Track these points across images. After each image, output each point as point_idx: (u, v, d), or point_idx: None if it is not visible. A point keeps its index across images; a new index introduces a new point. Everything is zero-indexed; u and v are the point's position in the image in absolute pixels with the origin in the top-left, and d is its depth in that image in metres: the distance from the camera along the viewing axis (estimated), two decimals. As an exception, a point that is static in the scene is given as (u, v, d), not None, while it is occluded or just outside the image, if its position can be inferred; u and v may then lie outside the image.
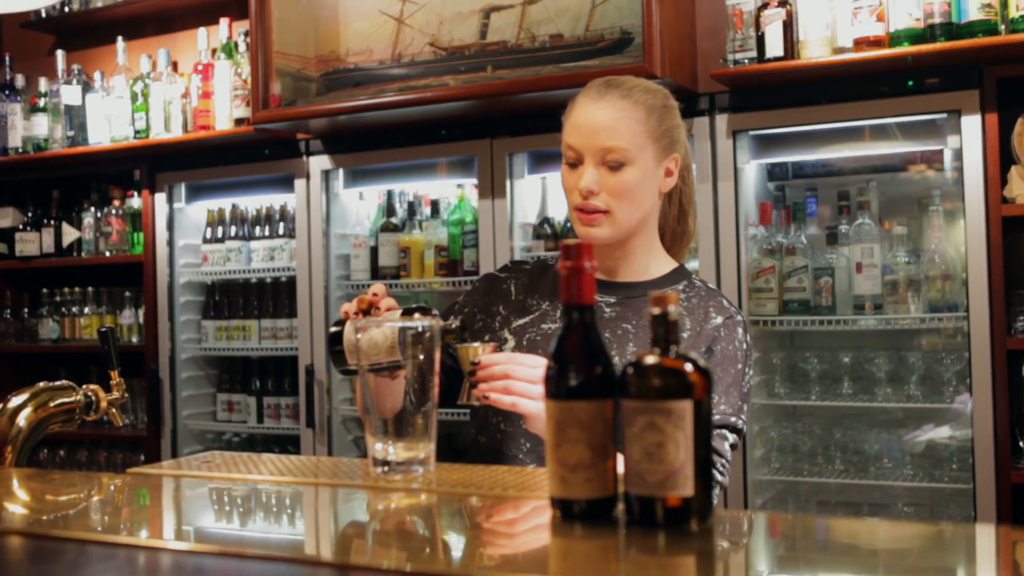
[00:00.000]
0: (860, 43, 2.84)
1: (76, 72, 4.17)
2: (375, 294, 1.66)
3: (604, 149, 1.74)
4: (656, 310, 1.07)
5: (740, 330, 1.79)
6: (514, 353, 1.66)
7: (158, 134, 3.91)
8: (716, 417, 1.70)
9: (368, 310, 1.65)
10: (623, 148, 1.73)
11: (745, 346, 1.79)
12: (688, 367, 1.05)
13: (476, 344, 1.63)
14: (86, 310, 4.31)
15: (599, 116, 1.75)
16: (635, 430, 1.04)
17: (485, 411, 1.83)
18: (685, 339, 1.75)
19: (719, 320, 1.77)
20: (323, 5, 3.41)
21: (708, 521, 1.07)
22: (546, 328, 1.83)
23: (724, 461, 1.71)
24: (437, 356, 1.38)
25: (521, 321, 1.87)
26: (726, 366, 1.74)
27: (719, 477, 1.70)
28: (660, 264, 1.87)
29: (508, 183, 3.37)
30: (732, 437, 1.72)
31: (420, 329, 1.37)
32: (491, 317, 1.90)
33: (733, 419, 1.72)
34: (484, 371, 1.59)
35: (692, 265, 3.15)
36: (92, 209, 4.30)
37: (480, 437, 1.85)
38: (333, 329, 1.73)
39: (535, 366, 1.58)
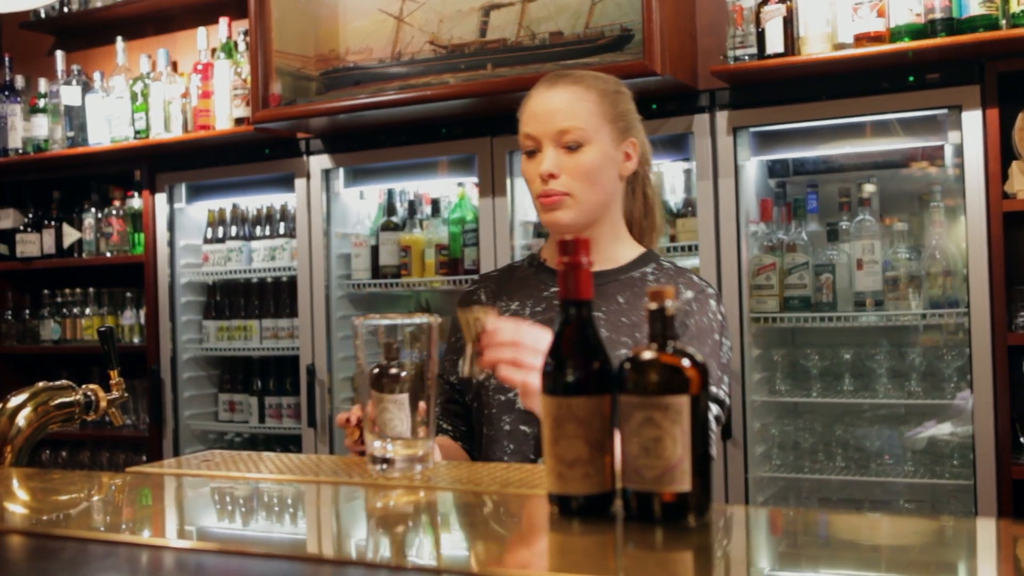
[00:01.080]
0: (860, 39, 2.84)
1: (76, 72, 4.17)
2: (348, 420, 1.59)
3: (561, 130, 1.75)
4: (653, 305, 1.07)
5: (712, 302, 1.79)
6: (521, 322, 1.57)
7: (158, 134, 3.91)
8: None
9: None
10: (579, 127, 1.75)
11: (720, 317, 1.79)
12: (685, 362, 1.05)
13: (479, 310, 1.50)
14: (87, 311, 4.32)
15: (553, 101, 1.78)
16: (632, 425, 1.04)
17: (478, 415, 1.83)
18: None
19: (690, 295, 1.78)
20: (322, 4, 3.40)
21: (706, 516, 1.07)
22: None
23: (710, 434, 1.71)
24: (435, 354, 1.38)
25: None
26: (703, 338, 1.74)
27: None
28: (628, 250, 1.88)
29: (509, 181, 3.37)
30: (715, 409, 1.72)
31: (417, 325, 1.37)
32: None
33: (715, 390, 1.72)
34: (491, 339, 1.48)
35: (692, 262, 3.15)
36: (93, 210, 4.30)
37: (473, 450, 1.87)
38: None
39: (542, 337, 1.50)
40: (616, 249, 1.86)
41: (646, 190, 1.92)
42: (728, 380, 1.78)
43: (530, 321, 1.82)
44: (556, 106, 1.77)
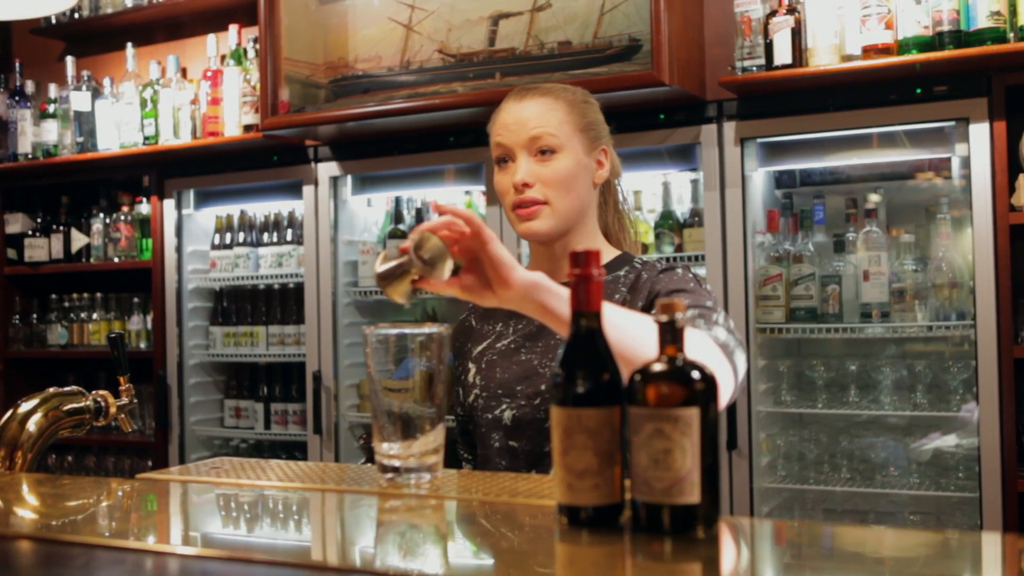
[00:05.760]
0: (868, 51, 2.85)
1: (86, 78, 4.19)
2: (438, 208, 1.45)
3: (533, 138, 1.75)
4: (664, 318, 1.08)
5: (680, 270, 1.76)
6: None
7: (167, 140, 3.93)
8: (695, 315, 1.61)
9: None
10: (551, 134, 1.74)
11: (690, 275, 1.74)
12: (695, 374, 1.05)
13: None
14: (95, 316, 4.33)
15: (524, 111, 1.77)
16: (642, 437, 1.04)
17: (476, 431, 1.84)
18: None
19: (660, 267, 1.78)
20: (332, 12, 3.42)
21: (715, 528, 1.07)
22: (500, 347, 1.84)
23: (735, 337, 1.60)
24: (446, 361, 1.38)
25: (479, 348, 1.87)
26: (676, 286, 1.70)
27: (740, 357, 1.58)
28: (604, 254, 1.85)
29: (515, 190, 3.37)
30: (724, 335, 1.58)
31: (427, 334, 1.38)
32: (463, 356, 1.91)
33: (718, 332, 1.58)
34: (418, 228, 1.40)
35: (699, 272, 3.15)
36: (101, 215, 4.31)
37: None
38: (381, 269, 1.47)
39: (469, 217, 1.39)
40: None
41: (618, 202, 1.92)
42: (733, 325, 1.65)
43: (512, 338, 1.82)
44: (527, 115, 1.77)
